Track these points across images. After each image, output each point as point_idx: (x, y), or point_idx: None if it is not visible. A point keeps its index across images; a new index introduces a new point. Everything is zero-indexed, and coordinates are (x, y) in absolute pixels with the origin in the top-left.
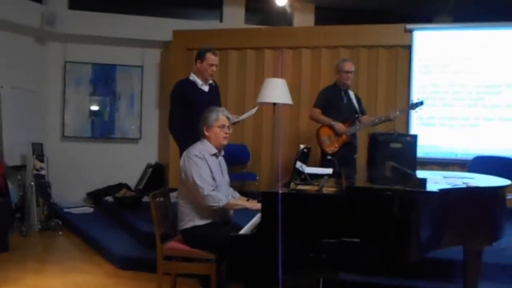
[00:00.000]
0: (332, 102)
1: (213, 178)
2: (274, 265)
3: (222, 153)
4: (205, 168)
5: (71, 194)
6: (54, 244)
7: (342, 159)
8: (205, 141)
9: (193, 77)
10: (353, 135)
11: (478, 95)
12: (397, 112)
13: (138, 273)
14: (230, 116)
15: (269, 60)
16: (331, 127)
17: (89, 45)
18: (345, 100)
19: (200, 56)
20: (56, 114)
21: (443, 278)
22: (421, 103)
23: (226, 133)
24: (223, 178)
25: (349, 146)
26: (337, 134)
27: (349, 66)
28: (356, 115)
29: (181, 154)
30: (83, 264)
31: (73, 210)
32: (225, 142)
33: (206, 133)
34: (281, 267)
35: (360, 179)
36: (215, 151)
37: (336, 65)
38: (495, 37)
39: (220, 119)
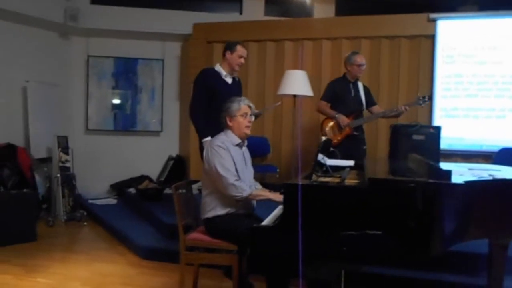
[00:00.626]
0: (339, 95)
1: (236, 169)
2: (295, 257)
3: (246, 143)
4: (228, 158)
5: (95, 186)
6: (80, 234)
7: (348, 151)
8: (229, 132)
9: (218, 67)
10: (359, 128)
11: (505, 85)
12: (404, 107)
13: (161, 264)
14: (251, 105)
15: (289, 52)
16: (335, 120)
17: (111, 39)
18: (352, 93)
19: (230, 47)
20: (80, 107)
21: (467, 272)
22: (429, 97)
23: (250, 122)
24: (247, 169)
25: (354, 138)
26: (341, 126)
27: (361, 59)
28: (362, 109)
29: (199, 142)
30: (108, 254)
31: (97, 202)
32: (248, 131)
33: (230, 124)
34: (302, 259)
35: (382, 171)
36: (238, 141)
37: (346, 58)
38: None
39: (242, 108)
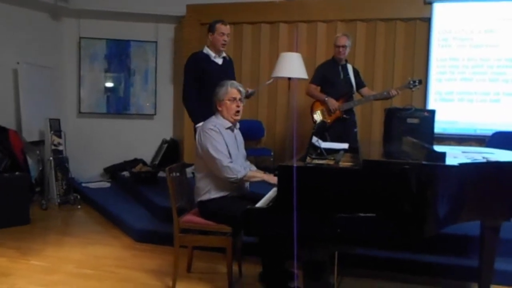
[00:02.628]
0: (329, 77)
1: (229, 152)
2: (289, 239)
3: (237, 126)
4: (220, 141)
5: (88, 169)
6: (73, 217)
7: (339, 134)
8: (219, 115)
9: (206, 50)
10: (349, 111)
11: (500, 69)
12: (396, 90)
13: (155, 246)
14: (241, 89)
15: (283, 34)
16: (324, 103)
17: (103, 21)
18: (341, 76)
19: (211, 28)
20: (72, 90)
21: (459, 254)
22: (419, 81)
23: (238, 106)
24: (239, 152)
25: (344, 121)
26: (331, 110)
27: (340, 41)
28: (352, 92)
29: (194, 128)
30: (102, 237)
31: (91, 185)
32: (236, 117)
33: (219, 108)
34: (296, 240)
35: (377, 153)
36: (229, 124)
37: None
38: None
39: (230, 92)
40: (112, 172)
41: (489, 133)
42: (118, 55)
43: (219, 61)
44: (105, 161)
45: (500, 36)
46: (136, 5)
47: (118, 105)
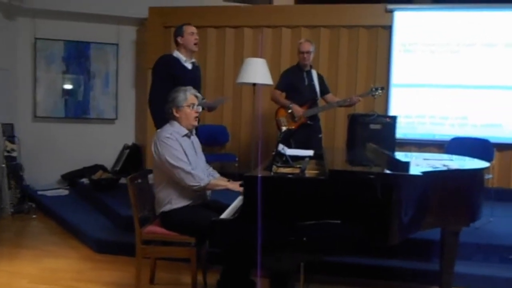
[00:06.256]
0: (293, 84)
1: (188, 159)
2: (255, 249)
3: (194, 132)
4: (178, 148)
5: (44, 176)
6: (28, 228)
7: (304, 139)
8: (175, 123)
9: (176, 53)
10: (314, 117)
11: (458, 76)
12: (358, 97)
13: (116, 257)
14: (198, 94)
15: (248, 39)
16: (289, 109)
17: (60, 21)
18: (306, 82)
19: (179, 32)
20: (27, 93)
21: (421, 258)
22: (382, 88)
23: (197, 112)
24: (198, 158)
25: (309, 127)
26: (295, 116)
27: (304, 47)
28: (316, 98)
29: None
30: (59, 248)
31: (47, 193)
32: (195, 123)
33: (176, 115)
34: (261, 251)
35: (341, 161)
36: (186, 131)
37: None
38: (474, 18)
39: (189, 98)
40: (70, 179)
41: (448, 138)
42: (77, 57)
43: (189, 66)
44: (63, 168)
45: (458, 44)
46: (96, 6)
47: (77, 109)
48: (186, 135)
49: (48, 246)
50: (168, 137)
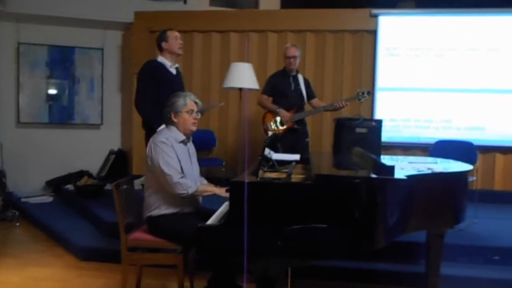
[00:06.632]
0: (280, 88)
1: (181, 166)
2: (241, 254)
3: (191, 139)
4: (172, 155)
5: (28, 183)
6: (11, 236)
7: (291, 144)
8: (173, 128)
9: (161, 59)
10: (301, 121)
11: (442, 79)
12: (344, 102)
13: (101, 264)
14: (198, 101)
15: (234, 43)
16: (276, 114)
17: (44, 26)
18: (292, 87)
19: (163, 37)
20: (10, 99)
21: (407, 260)
22: (368, 92)
23: (195, 119)
24: (192, 166)
25: (296, 131)
26: (282, 121)
27: (290, 52)
28: (303, 103)
29: (145, 135)
30: (43, 257)
31: (31, 200)
32: (194, 128)
33: (174, 120)
34: (247, 257)
35: (328, 165)
36: (183, 137)
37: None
38: (458, 23)
39: (189, 104)
40: (55, 185)
41: (432, 141)
42: (61, 62)
43: (174, 71)
44: (47, 174)
45: (442, 47)
46: (81, 10)
47: (61, 114)
48: (183, 141)
49: (32, 254)
50: (163, 142)
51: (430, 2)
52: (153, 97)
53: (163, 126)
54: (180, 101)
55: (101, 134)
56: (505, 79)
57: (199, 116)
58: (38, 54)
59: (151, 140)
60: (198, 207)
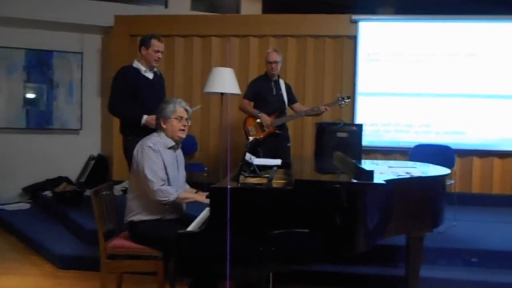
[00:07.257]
0: (261, 93)
1: (166, 173)
2: (223, 261)
3: (180, 146)
4: (158, 162)
5: (4, 189)
6: None
7: (272, 148)
8: (162, 134)
9: (136, 64)
10: (282, 126)
11: (422, 84)
12: (325, 107)
13: (80, 272)
14: (189, 108)
15: (216, 48)
16: (257, 119)
17: (21, 29)
18: (274, 92)
19: (145, 43)
20: None
21: (387, 264)
22: (348, 97)
23: (184, 125)
24: (178, 173)
25: (277, 136)
26: (264, 125)
27: (271, 57)
28: (284, 107)
29: (123, 140)
30: (20, 265)
31: (7, 207)
32: (182, 135)
33: (163, 125)
34: (229, 263)
35: (309, 170)
36: (172, 143)
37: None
38: (436, 29)
39: (178, 110)
40: (32, 192)
41: (412, 145)
42: (39, 66)
43: (150, 75)
44: (24, 180)
45: (422, 53)
46: (59, 13)
47: (39, 119)
48: (172, 147)
49: (8, 263)
50: (150, 147)
51: (409, 8)
52: (127, 100)
53: (145, 116)
54: (169, 107)
55: (81, 139)
56: (483, 84)
57: (189, 123)
58: (15, 58)
59: (139, 143)
60: (182, 213)
